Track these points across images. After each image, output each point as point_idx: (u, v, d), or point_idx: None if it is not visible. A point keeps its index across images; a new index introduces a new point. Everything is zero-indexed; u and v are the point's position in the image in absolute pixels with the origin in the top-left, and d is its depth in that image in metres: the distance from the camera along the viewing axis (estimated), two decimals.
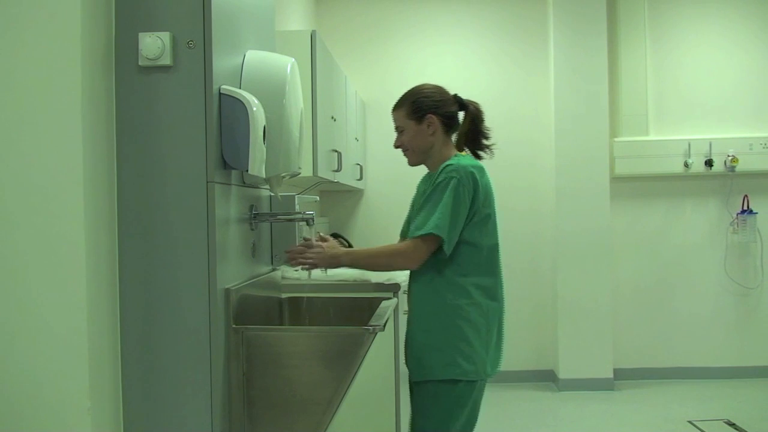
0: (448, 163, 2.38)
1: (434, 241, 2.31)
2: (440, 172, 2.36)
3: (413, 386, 2.45)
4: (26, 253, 1.64)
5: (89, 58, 1.67)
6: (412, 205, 2.58)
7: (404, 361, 2.54)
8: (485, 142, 2.51)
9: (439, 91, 2.49)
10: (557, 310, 5.37)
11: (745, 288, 5.56)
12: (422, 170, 2.58)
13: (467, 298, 2.35)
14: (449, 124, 2.47)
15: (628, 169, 5.45)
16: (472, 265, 2.37)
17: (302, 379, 1.92)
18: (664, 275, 5.58)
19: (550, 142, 5.46)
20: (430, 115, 2.42)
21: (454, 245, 2.33)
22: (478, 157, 2.53)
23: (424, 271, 2.38)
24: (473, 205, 2.34)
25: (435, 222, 2.29)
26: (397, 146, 2.52)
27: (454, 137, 2.51)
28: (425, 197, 2.37)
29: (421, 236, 2.31)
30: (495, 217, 2.43)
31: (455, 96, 2.50)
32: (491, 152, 2.52)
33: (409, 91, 2.50)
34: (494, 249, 2.42)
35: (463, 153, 2.50)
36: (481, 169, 2.40)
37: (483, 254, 2.38)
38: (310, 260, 2.33)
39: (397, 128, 2.49)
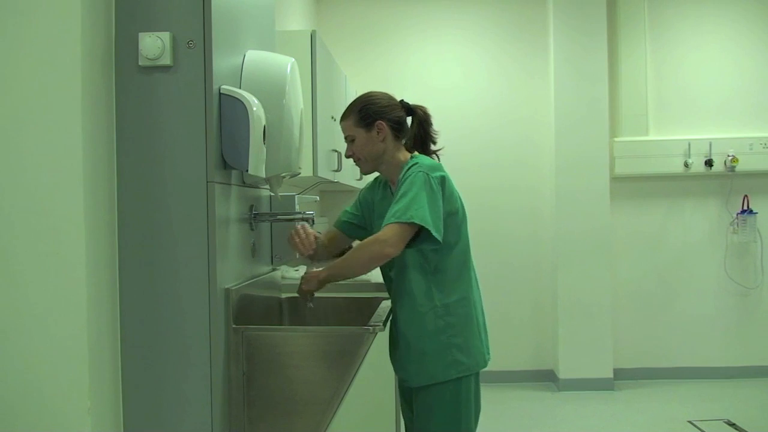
0: (414, 162, 2.37)
1: (412, 229, 2.24)
2: (408, 169, 2.34)
3: (414, 392, 2.43)
4: (26, 254, 1.64)
5: (89, 58, 1.66)
6: (359, 205, 2.62)
7: (395, 368, 2.51)
8: (433, 147, 2.52)
9: (386, 97, 2.48)
10: (557, 310, 5.37)
11: (745, 288, 5.55)
12: None
13: (454, 295, 2.36)
14: (398, 129, 2.45)
15: (628, 169, 5.45)
16: (450, 263, 2.38)
17: (302, 379, 1.92)
18: (664, 275, 5.58)
19: (550, 143, 5.46)
20: (378, 121, 2.41)
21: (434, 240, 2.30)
22: None
23: (407, 276, 2.36)
24: (443, 200, 2.33)
25: (414, 211, 2.23)
26: (348, 156, 2.50)
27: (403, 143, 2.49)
28: (400, 192, 2.30)
29: (399, 223, 2.23)
30: (464, 213, 2.43)
31: (402, 102, 2.49)
32: (437, 157, 2.51)
33: (356, 99, 2.49)
34: (466, 244, 2.43)
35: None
36: (443, 167, 2.42)
37: (459, 251, 2.39)
38: (304, 289, 2.35)
39: (346, 138, 2.47)
